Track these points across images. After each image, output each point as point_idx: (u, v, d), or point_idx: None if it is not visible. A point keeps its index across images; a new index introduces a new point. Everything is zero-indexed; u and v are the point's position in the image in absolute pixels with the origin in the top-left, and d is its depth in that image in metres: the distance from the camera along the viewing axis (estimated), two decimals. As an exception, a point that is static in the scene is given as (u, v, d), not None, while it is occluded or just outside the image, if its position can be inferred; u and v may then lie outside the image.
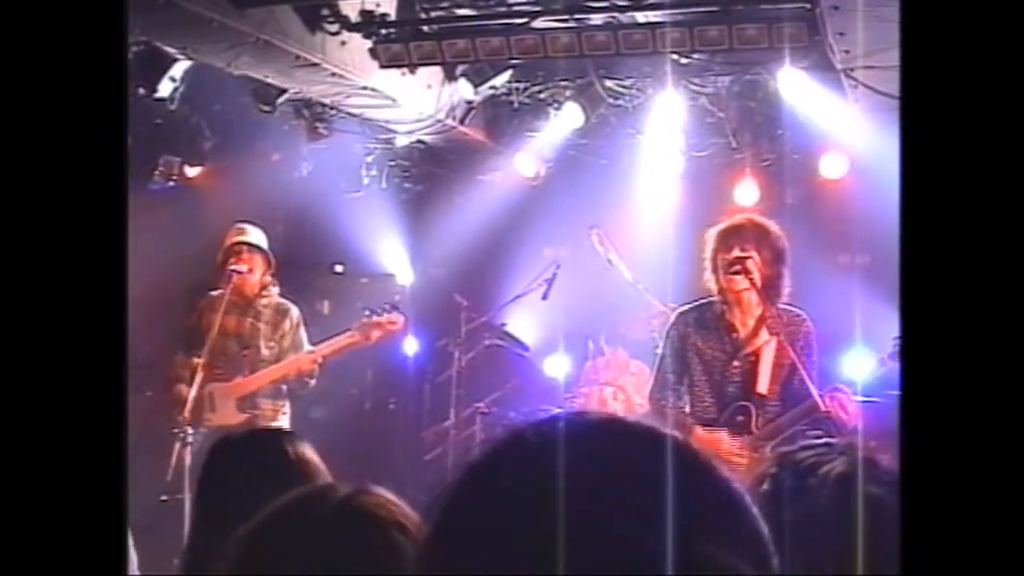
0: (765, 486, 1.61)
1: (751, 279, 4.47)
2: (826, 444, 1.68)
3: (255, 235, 5.93)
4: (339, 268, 8.83)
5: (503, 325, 7.93)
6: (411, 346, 8.39)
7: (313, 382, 5.86)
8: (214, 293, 5.85)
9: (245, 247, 5.83)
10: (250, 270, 5.82)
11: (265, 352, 5.82)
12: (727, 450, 4.42)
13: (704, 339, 4.63)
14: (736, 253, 4.47)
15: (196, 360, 5.63)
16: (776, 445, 3.99)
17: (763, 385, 4.52)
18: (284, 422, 5.80)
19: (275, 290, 5.97)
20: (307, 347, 5.87)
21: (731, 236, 4.52)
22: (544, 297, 7.22)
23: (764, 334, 4.58)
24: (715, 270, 4.58)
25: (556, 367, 8.07)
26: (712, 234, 4.61)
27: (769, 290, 4.50)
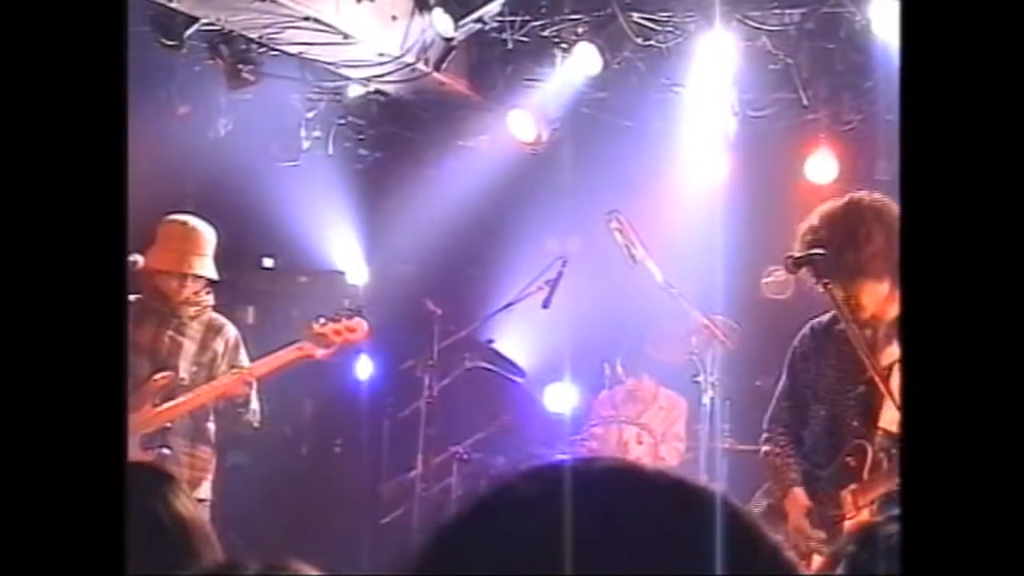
0: (841, 569, 1.75)
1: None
2: None
3: (199, 251, 5.92)
4: (268, 262, 8.86)
5: (490, 342, 7.92)
6: (364, 368, 8.45)
7: (250, 413, 5.89)
8: (131, 298, 5.82)
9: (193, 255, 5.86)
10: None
11: (184, 376, 5.85)
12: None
13: (824, 358, 4.74)
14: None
15: None
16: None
17: (887, 419, 4.50)
18: (206, 475, 5.89)
19: (208, 299, 6.02)
20: (243, 363, 5.93)
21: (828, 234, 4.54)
22: (545, 305, 7.17)
23: (895, 348, 4.54)
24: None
25: (561, 399, 8.15)
26: (801, 231, 4.63)
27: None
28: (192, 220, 6.00)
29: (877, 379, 4.43)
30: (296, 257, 8.83)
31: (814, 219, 4.60)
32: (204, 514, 2.45)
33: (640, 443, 7.27)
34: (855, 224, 4.51)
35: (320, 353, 5.95)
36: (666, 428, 7.55)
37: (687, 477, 0.96)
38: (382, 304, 8.32)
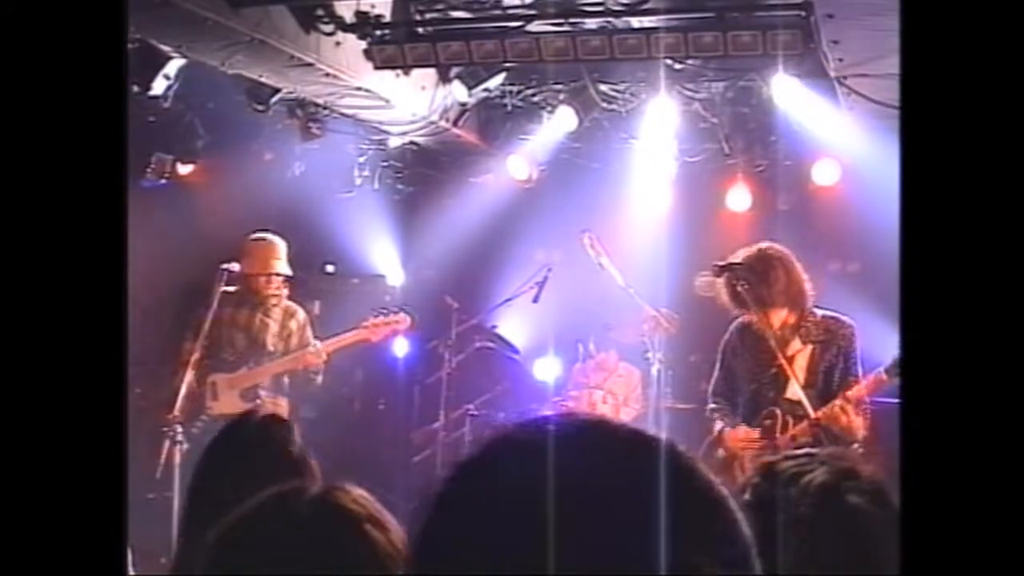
0: (747, 496, 1.66)
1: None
2: (808, 454, 1.72)
3: (282, 252, 6.06)
4: (330, 268, 8.80)
5: (494, 328, 7.91)
6: (401, 347, 8.35)
7: (319, 378, 6.02)
8: (230, 289, 5.89)
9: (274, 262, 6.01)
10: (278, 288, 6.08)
11: (271, 348, 5.98)
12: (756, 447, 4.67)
13: (744, 347, 4.90)
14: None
15: (199, 349, 5.73)
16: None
17: (792, 391, 4.67)
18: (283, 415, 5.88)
19: (285, 292, 6.14)
20: (314, 344, 6.02)
21: (739, 279, 4.70)
22: (535, 300, 7.19)
23: (797, 342, 4.75)
24: (728, 281, 4.76)
25: (546, 370, 8.06)
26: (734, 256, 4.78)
27: (794, 304, 4.74)
28: (270, 236, 6.13)
29: (784, 364, 4.63)
30: (350, 264, 8.77)
31: (737, 257, 4.75)
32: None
33: (605, 403, 7.17)
34: (766, 268, 4.69)
35: (375, 338, 6.11)
36: (626, 393, 7.42)
37: (642, 429, 0.93)
38: (414, 299, 8.36)
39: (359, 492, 1.50)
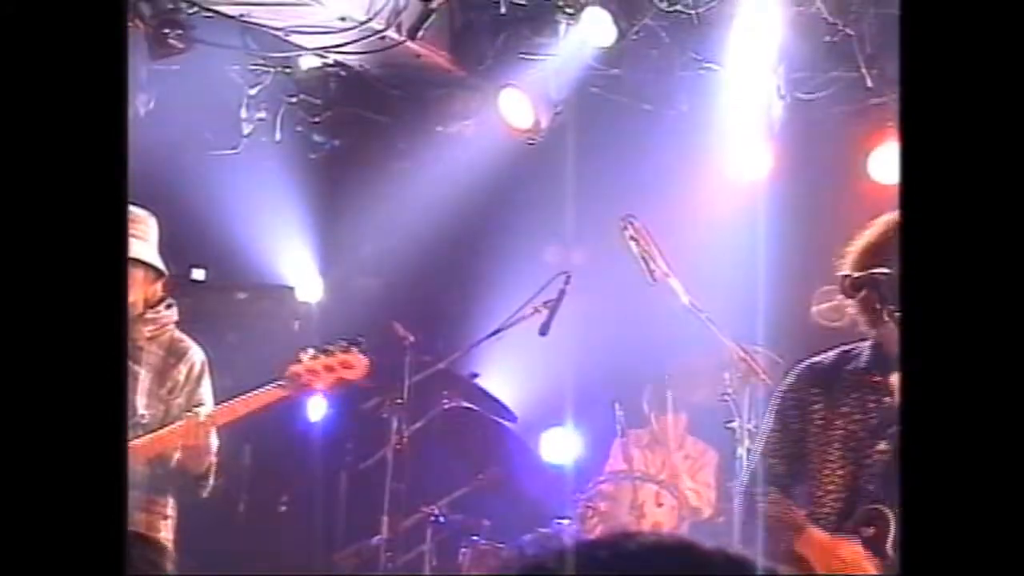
0: None
1: None
2: None
3: (139, 234, 5.92)
4: (198, 274, 8.84)
5: (474, 376, 7.94)
6: (317, 408, 8.46)
7: (211, 460, 5.91)
8: None
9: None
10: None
11: (145, 414, 5.89)
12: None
13: (836, 407, 4.79)
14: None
15: None
16: None
17: None
18: (166, 530, 5.92)
19: (170, 314, 6.08)
20: (204, 409, 5.88)
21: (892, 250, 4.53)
22: (543, 331, 7.18)
23: None
24: (866, 303, 4.66)
25: (560, 448, 8.21)
26: (859, 248, 4.68)
27: None
28: (133, 210, 5.92)
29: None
30: (233, 268, 8.86)
31: (874, 233, 4.68)
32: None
33: (660, 505, 7.28)
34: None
35: (317, 386, 5.94)
36: (695, 487, 7.66)
37: (742, 552, 1.05)
38: (340, 326, 8.28)
39: None
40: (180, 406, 5.92)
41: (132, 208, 5.83)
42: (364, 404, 7.72)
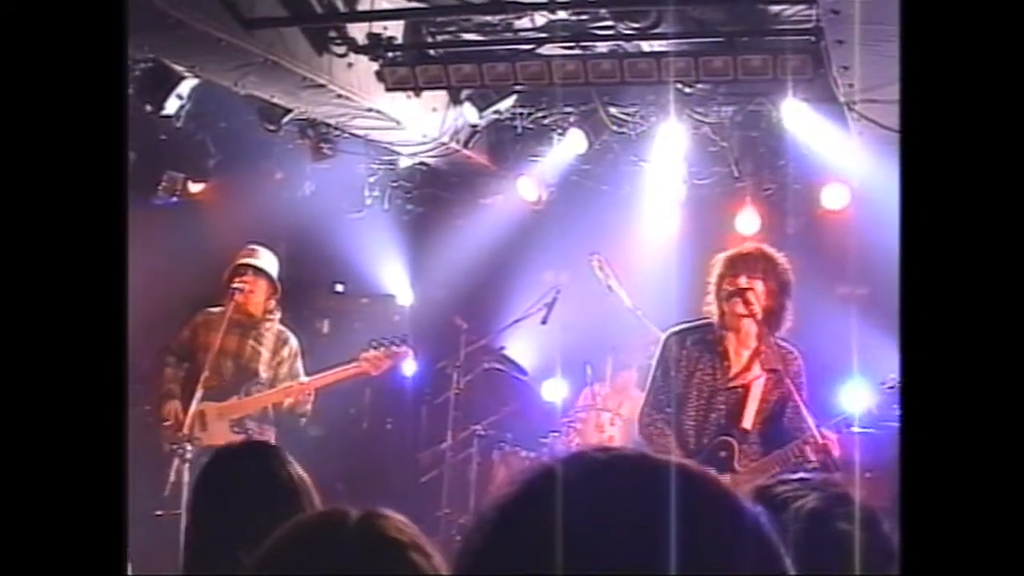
0: None
1: (751, 309, 4.47)
2: (800, 480, 1.73)
3: (265, 258, 5.94)
4: (340, 288, 8.80)
5: (502, 349, 7.89)
6: (410, 367, 8.28)
7: (304, 419, 5.82)
8: (214, 310, 5.85)
9: (251, 269, 5.85)
10: (251, 290, 5.81)
11: (262, 375, 5.82)
12: None
13: (695, 363, 4.62)
14: (742, 281, 4.48)
15: (183, 375, 5.66)
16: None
17: (748, 420, 4.51)
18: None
19: (277, 316, 5.97)
20: (303, 378, 5.82)
21: (739, 264, 4.54)
22: (543, 322, 7.16)
23: (756, 368, 4.59)
24: (718, 296, 4.59)
25: (554, 391, 8.03)
26: (720, 259, 4.62)
27: (769, 322, 4.51)
28: (260, 248, 5.96)
29: (745, 389, 4.44)
30: (360, 284, 8.76)
31: (722, 259, 4.62)
32: (304, 474, 2.44)
33: (613, 425, 7.06)
34: (759, 266, 4.55)
35: (374, 372, 5.83)
36: (633, 415, 7.38)
37: (688, 462, 0.94)
38: (423, 320, 8.39)
39: (400, 518, 1.49)
40: (284, 374, 5.83)
41: (260, 249, 5.91)
42: (437, 365, 7.80)
